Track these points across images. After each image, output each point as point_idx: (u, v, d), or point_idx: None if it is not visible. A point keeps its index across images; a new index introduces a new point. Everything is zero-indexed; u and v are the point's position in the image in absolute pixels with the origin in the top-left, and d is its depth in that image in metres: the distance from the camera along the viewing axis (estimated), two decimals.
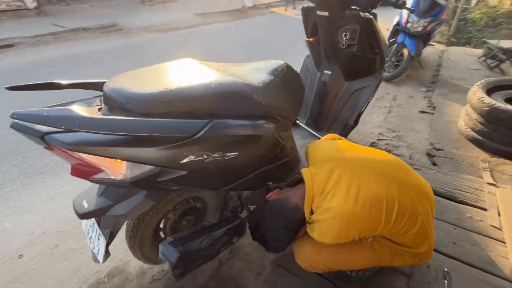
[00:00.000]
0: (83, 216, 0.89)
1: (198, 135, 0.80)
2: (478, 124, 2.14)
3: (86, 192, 0.97)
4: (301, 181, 1.43)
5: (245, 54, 5.26)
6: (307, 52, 1.93)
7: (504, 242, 1.41)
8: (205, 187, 0.95)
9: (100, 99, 0.90)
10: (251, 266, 1.43)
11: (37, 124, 0.63)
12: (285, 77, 1.20)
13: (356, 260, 1.07)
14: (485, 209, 1.61)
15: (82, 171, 0.83)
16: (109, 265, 1.45)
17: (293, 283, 1.31)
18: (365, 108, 1.71)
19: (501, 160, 1.98)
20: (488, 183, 1.78)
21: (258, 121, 0.99)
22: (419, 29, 3.27)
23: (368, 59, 1.56)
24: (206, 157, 0.85)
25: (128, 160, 0.75)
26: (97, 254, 0.98)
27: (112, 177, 0.80)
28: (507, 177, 1.84)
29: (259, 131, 0.98)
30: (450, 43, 5.79)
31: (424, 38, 3.41)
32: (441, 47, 5.02)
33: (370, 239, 1.07)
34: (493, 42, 3.82)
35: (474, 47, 5.77)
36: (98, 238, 0.97)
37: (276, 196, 1.12)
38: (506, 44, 3.69)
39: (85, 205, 0.91)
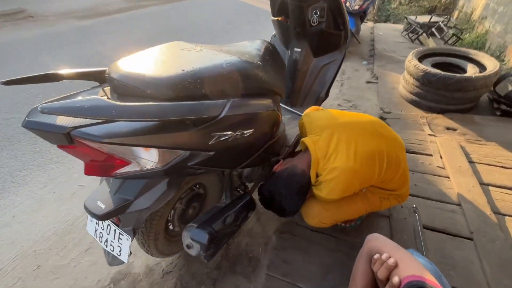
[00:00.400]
0: (103, 217, 0.83)
1: (222, 115, 0.82)
2: (415, 87, 2.56)
3: (96, 193, 0.90)
4: (293, 152, 1.55)
5: (195, 41, 5.03)
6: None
7: (448, 177, 1.79)
8: (227, 166, 0.98)
9: (103, 89, 0.82)
10: (257, 239, 1.51)
11: (71, 116, 0.57)
12: (271, 54, 1.25)
13: (356, 209, 1.25)
14: (431, 155, 1.99)
15: (100, 168, 0.77)
16: (111, 271, 1.36)
17: (300, 244, 1.45)
18: (333, 81, 1.89)
19: (435, 115, 2.44)
20: (429, 134, 2.19)
21: (264, 97, 1.05)
22: (356, 7, 3.62)
23: (334, 35, 1.71)
24: (230, 136, 0.87)
25: (162, 147, 0.73)
26: (119, 255, 0.93)
27: (139, 168, 0.77)
28: (441, 128, 2.28)
29: (267, 106, 1.04)
30: (375, 21, 6.52)
31: (361, 15, 3.80)
32: (370, 24, 5.62)
33: (364, 189, 1.26)
34: (412, 17, 4.46)
35: (393, 22, 6.62)
36: (119, 238, 0.92)
37: (282, 166, 1.21)
38: (421, 19, 4.36)
39: (102, 205, 0.84)
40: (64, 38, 4.77)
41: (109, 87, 0.84)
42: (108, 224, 0.94)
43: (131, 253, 0.95)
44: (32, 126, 0.60)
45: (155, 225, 1.09)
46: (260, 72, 1.01)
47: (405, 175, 1.24)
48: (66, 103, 0.56)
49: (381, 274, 0.68)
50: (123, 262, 0.97)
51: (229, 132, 0.87)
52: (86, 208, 0.86)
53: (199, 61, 0.87)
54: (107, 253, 1.01)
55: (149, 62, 0.84)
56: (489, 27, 4.14)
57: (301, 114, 1.83)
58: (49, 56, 3.92)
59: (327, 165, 1.10)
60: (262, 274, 1.34)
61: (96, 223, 0.98)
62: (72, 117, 0.58)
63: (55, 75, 0.79)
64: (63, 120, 0.62)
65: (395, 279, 0.63)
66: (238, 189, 1.41)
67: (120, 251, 0.93)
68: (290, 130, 1.66)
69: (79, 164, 2.04)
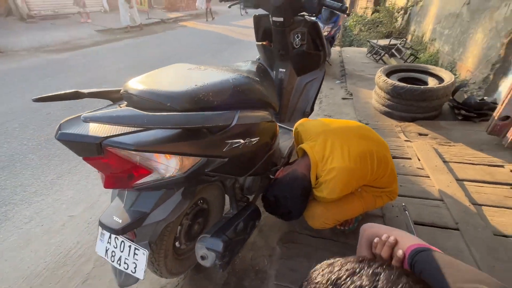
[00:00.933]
0: (121, 231, 0.83)
1: (233, 123, 0.90)
2: (386, 100, 2.83)
3: (111, 210, 0.90)
4: (289, 162, 1.63)
5: None
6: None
7: (428, 176, 1.96)
8: (237, 173, 1.03)
9: (119, 105, 0.87)
10: (261, 252, 1.52)
11: (110, 124, 0.61)
12: (263, 72, 1.38)
13: (354, 207, 1.33)
14: (409, 158, 2.17)
15: (121, 180, 0.79)
16: None
17: (304, 251, 1.49)
18: (316, 97, 2.05)
19: (407, 123, 2.69)
20: (405, 140, 2.40)
21: (263, 109, 1.14)
22: (325, 33, 4.00)
23: (314, 55, 1.90)
24: (240, 143, 0.94)
25: (184, 154, 0.78)
26: (134, 272, 0.92)
27: (160, 177, 0.80)
28: (414, 134, 2.52)
29: (267, 117, 1.13)
30: (341, 45, 7.17)
31: (330, 40, 4.19)
32: (338, 48, 6.16)
33: (359, 189, 1.35)
34: (374, 41, 5.00)
35: (357, 46, 7.31)
36: (135, 254, 0.91)
37: (284, 172, 1.28)
38: (382, 42, 4.90)
39: (118, 220, 0.85)
40: (40, 71, 4.69)
41: (124, 104, 0.89)
42: (122, 241, 0.93)
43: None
44: (66, 138, 0.63)
45: (165, 241, 1.09)
46: (259, 87, 1.12)
47: (394, 173, 1.37)
48: (104, 113, 0.60)
49: (384, 253, 0.71)
50: (137, 280, 0.95)
51: (240, 140, 0.94)
52: (102, 224, 0.86)
53: (208, 77, 0.95)
54: (118, 274, 0.98)
55: (162, 80, 0.91)
56: (439, 47, 4.73)
57: (290, 128, 1.95)
58: (28, 88, 3.82)
59: (325, 167, 1.19)
60: (271, 285, 1.34)
61: (108, 242, 0.96)
62: (111, 125, 0.62)
63: (77, 93, 0.82)
64: (94, 131, 0.66)
65: (399, 252, 0.67)
66: (240, 202, 1.44)
67: (135, 267, 0.92)
68: (282, 143, 1.76)
69: (67, 195, 1.96)
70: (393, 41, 4.78)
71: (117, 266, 0.94)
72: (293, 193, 1.18)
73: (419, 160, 2.14)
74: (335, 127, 1.33)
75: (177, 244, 1.24)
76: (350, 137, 1.26)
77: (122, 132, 0.68)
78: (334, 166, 1.17)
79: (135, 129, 0.71)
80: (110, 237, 0.96)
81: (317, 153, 1.22)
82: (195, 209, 1.27)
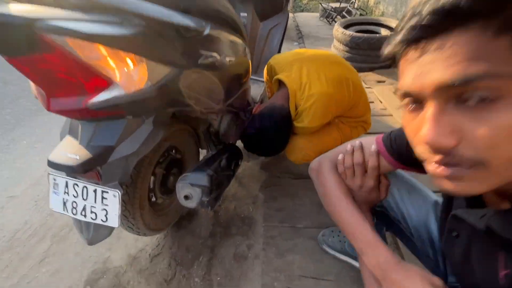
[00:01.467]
0: (81, 168, 0.67)
1: (206, 32, 0.76)
2: (345, 52, 2.88)
3: (62, 147, 0.71)
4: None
5: None
6: None
7: (391, 115, 2.07)
8: (215, 99, 0.91)
9: None
10: (244, 201, 1.46)
11: None
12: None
13: (333, 138, 1.32)
14: (372, 102, 2.26)
15: (69, 98, 0.61)
16: (82, 273, 1.11)
17: (287, 192, 1.47)
18: (281, 45, 1.97)
19: (366, 73, 2.79)
20: (366, 88, 2.49)
21: (236, 32, 1.02)
22: None
23: None
24: (216, 58, 0.81)
25: (152, 58, 0.63)
26: (106, 221, 0.76)
27: (123, 92, 0.64)
28: (373, 82, 2.62)
29: (240, 40, 1.01)
30: (293, 12, 7.14)
31: None
32: (291, 14, 6.09)
33: (337, 120, 1.35)
34: (325, 4, 5.03)
35: (308, 12, 7.35)
36: (103, 198, 0.75)
37: (261, 107, 1.21)
38: (333, 4, 4.95)
39: (75, 156, 0.68)
40: None
41: None
42: (84, 186, 0.76)
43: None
44: None
45: (139, 189, 0.94)
46: (228, 5, 0.98)
47: (367, 102, 1.38)
48: None
49: (357, 159, 0.65)
50: (111, 230, 0.81)
51: (215, 54, 0.81)
52: (52, 163, 0.68)
53: None
54: (85, 228, 0.81)
55: None
56: (384, 9, 4.96)
57: (258, 79, 1.86)
58: None
59: (303, 95, 1.14)
60: (259, 228, 1.30)
61: (65, 193, 0.78)
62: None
63: None
64: (22, 12, 0.47)
65: (373, 147, 0.63)
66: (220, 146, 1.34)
67: (106, 214, 0.76)
68: (253, 92, 1.67)
69: (1, 176, 1.62)
70: (343, 4, 4.87)
71: (82, 218, 0.78)
72: (274, 122, 1.12)
73: (381, 102, 2.24)
74: (308, 55, 1.27)
75: (153, 198, 1.11)
76: (324, 63, 1.22)
77: (62, 18, 0.51)
78: (313, 92, 1.12)
79: (80, 17, 0.53)
80: (66, 185, 0.77)
81: (294, 81, 1.16)
82: (168, 158, 1.13)
